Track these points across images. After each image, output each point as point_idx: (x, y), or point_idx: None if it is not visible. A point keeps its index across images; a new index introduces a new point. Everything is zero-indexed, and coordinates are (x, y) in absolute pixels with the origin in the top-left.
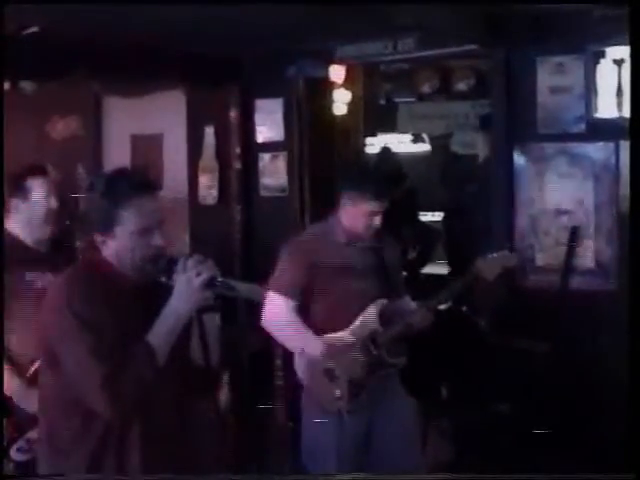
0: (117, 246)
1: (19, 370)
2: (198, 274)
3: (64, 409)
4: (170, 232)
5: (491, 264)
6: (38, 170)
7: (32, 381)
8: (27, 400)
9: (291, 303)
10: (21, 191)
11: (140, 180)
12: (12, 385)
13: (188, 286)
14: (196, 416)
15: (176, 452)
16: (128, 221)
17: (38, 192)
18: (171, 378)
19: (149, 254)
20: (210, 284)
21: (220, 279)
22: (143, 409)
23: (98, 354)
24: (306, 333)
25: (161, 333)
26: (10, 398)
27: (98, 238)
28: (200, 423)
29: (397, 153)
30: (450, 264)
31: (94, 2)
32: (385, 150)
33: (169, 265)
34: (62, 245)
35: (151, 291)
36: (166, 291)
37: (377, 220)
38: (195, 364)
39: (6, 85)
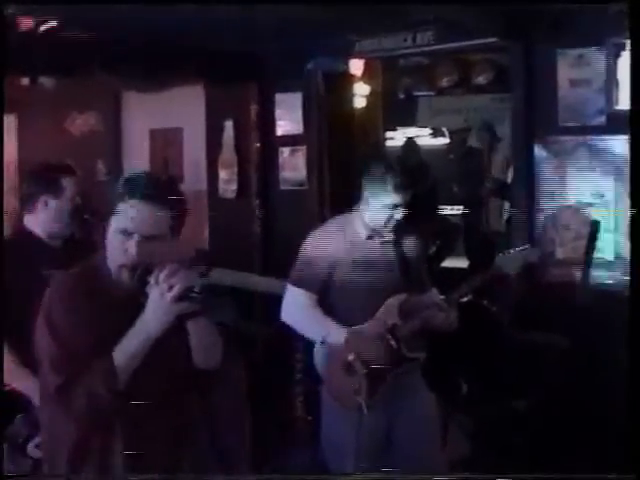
0: (107, 245)
1: (33, 368)
2: (170, 287)
3: (50, 408)
4: (189, 226)
5: (513, 259)
6: (69, 169)
7: None
8: None
9: (311, 296)
10: (53, 188)
11: (149, 185)
12: (27, 382)
13: (160, 300)
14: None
15: (167, 452)
16: (115, 219)
17: (71, 191)
18: (159, 381)
19: (125, 261)
20: (185, 297)
21: (196, 290)
22: (122, 413)
23: (56, 363)
24: (327, 321)
25: (127, 350)
26: (26, 395)
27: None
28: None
29: (420, 146)
30: (470, 258)
31: (95, 2)
32: (409, 142)
33: (143, 275)
34: (77, 239)
35: (137, 302)
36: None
37: (398, 213)
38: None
39: (25, 81)
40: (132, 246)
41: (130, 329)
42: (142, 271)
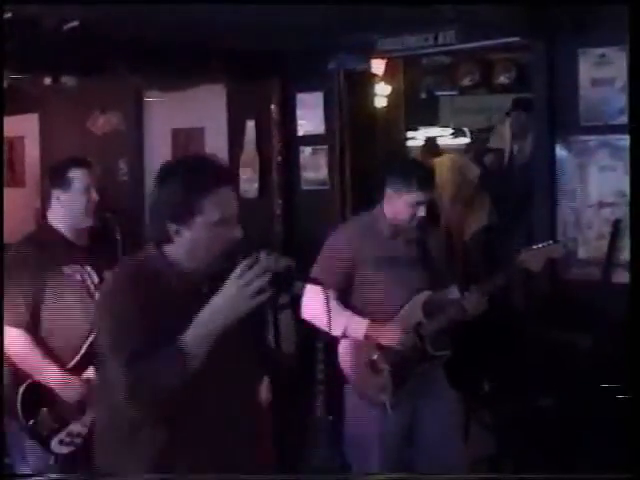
0: (193, 237)
1: (60, 362)
2: (248, 283)
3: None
4: None
5: (536, 255)
6: (80, 162)
7: (74, 372)
8: (68, 391)
9: (332, 292)
10: (63, 182)
11: (221, 169)
12: (52, 375)
13: (239, 292)
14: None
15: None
16: (209, 211)
17: (80, 183)
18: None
19: (225, 247)
20: (262, 292)
21: (286, 279)
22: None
23: (120, 343)
24: (347, 313)
25: (199, 336)
26: (51, 389)
27: (172, 228)
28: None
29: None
30: (492, 257)
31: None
32: (429, 141)
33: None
34: (102, 238)
35: (205, 293)
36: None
37: (421, 211)
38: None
39: (47, 80)
40: (237, 231)
41: (201, 315)
42: (243, 257)
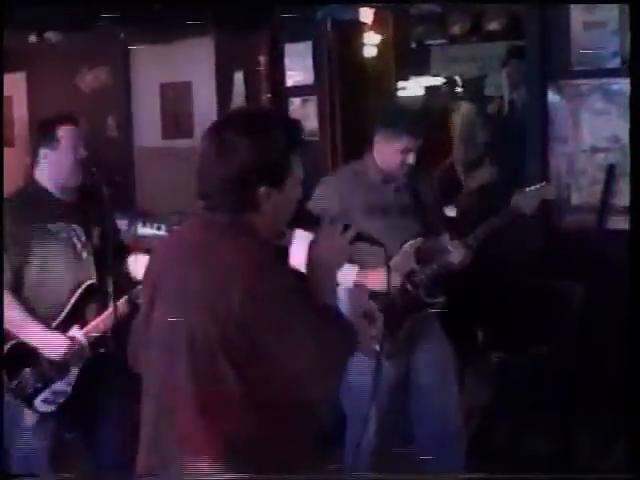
0: (284, 198)
1: (44, 321)
2: (345, 228)
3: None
4: None
5: (529, 197)
6: (67, 119)
7: (59, 330)
8: (52, 349)
9: None
10: (50, 140)
11: (293, 122)
12: (36, 334)
13: (339, 239)
14: None
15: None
16: (297, 167)
17: (67, 141)
18: None
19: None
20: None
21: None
22: None
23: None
24: None
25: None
26: (35, 348)
27: (262, 192)
28: None
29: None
30: (484, 203)
31: None
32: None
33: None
34: (89, 195)
35: None
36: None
37: (411, 157)
38: None
39: (32, 37)
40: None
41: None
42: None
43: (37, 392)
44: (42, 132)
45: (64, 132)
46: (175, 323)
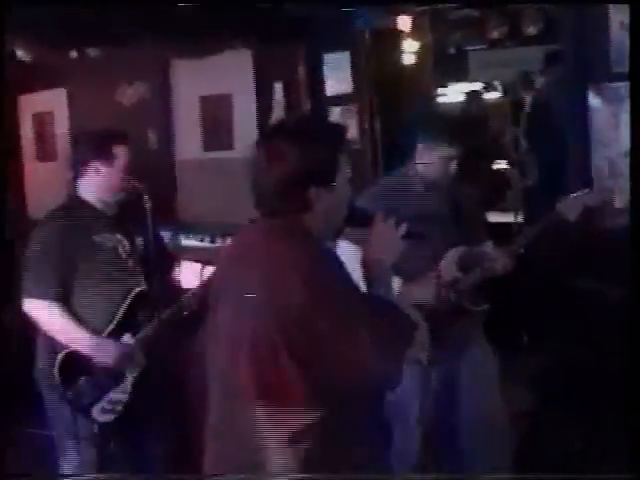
0: (333, 199)
1: (95, 330)
2: (397, 223)
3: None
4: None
5: (573, 204)
6: (122, 137)
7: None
8: (105, 355)
9: None
10: (105, 156)
11: (335, 124)
12: (88, 342)
13: (392, 234)
14: None
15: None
16: (344, 167)
17: (122, 160)
18: None
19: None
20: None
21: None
22: None
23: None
24: None
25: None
26: (88, 357)
27: (314, 192)
28: None
29: (483, 99)
30: (526, 208)
31: None
32: (471, 95)
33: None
34: (131, 206)
35: None
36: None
37: (453, 165)
38: None
39: (73, 53)
40: None
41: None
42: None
43: (94, 402)
44: (96, 146)
45: (120, 150)
46: (238, 324)
